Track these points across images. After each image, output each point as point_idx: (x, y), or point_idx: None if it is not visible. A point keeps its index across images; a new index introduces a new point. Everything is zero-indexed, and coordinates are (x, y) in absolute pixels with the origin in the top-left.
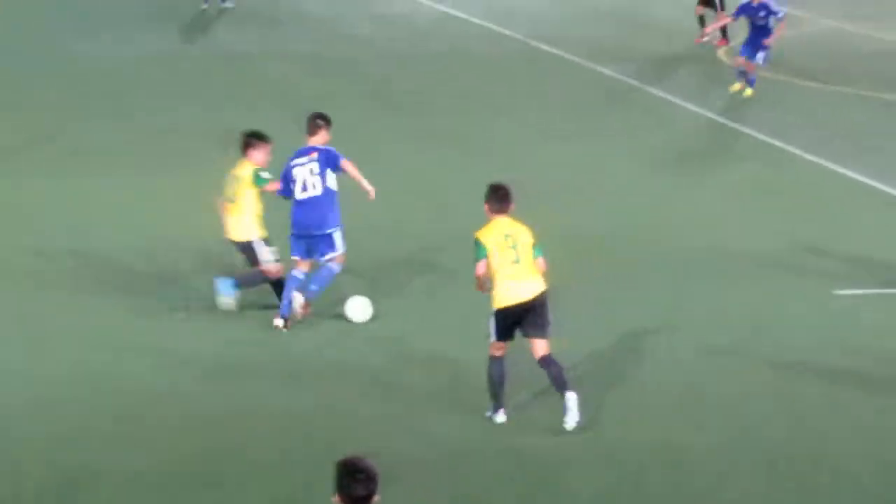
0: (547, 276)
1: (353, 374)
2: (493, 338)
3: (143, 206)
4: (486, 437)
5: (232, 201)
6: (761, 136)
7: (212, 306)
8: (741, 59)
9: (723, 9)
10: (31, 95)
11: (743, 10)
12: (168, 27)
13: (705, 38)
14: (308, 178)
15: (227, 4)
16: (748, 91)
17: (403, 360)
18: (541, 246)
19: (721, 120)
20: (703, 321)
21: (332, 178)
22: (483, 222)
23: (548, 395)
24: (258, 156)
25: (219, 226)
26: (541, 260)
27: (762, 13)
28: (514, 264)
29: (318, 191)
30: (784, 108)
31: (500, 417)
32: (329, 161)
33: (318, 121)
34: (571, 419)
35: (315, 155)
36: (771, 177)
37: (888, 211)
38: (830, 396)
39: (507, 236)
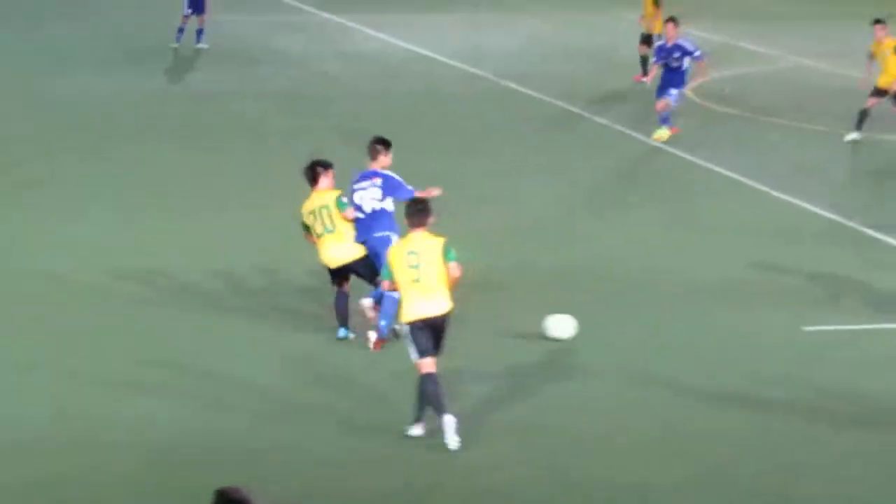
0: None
1: (320, 412)
2: (414, 356)
3: (115, 240)
4: (450, 474)
5: (331, 231)
6: (729, 173)
7: (186, 341)
8: (662, 104)
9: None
10: (5, 131)
11: (660, 52)
12: (146, 67)
13: (645, 80)
14: (367, 203)
15: (202, 45)
16: (665, 132)
17: (368, 399)
18: (456, 251)
19: (688, 157)
20: (673, 355)
21: (389, 202)
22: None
23: (514, 431)
24: (327, 181)
25: (195, 259)
26: (453, 265)
27: (676, 54)
28: (413, 283)
29: (376, 207)
30: (751, 145)
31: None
32: (393, 191)
33: (377, 146)
34: (452, 441)
35: (378, 181)
36: (739, 212)
37: (853, 247)
38: (800, 433)
39: (410, 253)
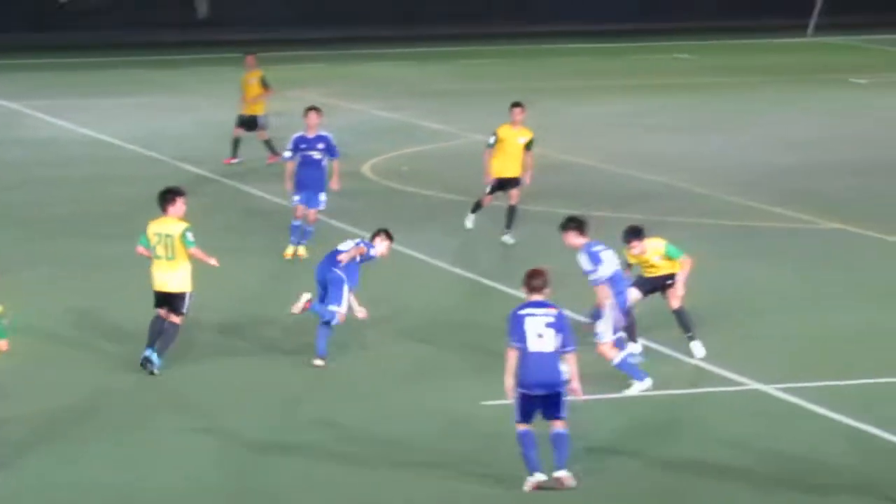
0: None
1: None
2: None
3: None
4: None
5: (171, 259)
6: (406, 250)
7: None
8: (301, 210)
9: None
10: None
11: (300, 143)
12: None
13: (234, 161)
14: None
15: None
16: (302, 250)
17: None
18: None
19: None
20: (327, 435)
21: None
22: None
23: None
24: (175, 209)
25: None
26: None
27: (321, 145)
28: None
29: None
30: (429, 222)
31: None
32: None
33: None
34: None
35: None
36: (417, 289)
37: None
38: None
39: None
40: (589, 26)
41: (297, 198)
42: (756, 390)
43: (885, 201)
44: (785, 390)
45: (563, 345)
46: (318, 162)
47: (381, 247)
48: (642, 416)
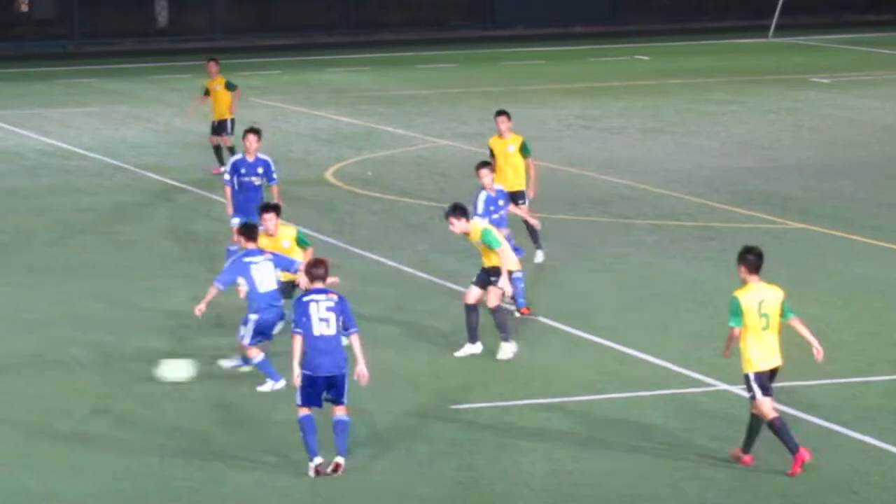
0: None
1: None
2: None
3: None
4: None
5: None
6: (370, 254)
7: None
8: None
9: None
10: None
11: (237, 168)
12: None
13: (223, 169)
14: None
15: None
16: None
17: None
18: None
19: (332, 241)
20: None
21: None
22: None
23: None
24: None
25: None
26: None
27: (260, 169)
28: None
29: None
30: (393, 226)
31: None
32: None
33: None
34: None
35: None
36: (383, 292)
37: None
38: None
39: None
40: (553, 30)
41: (235, 221)
42: (723, 391)
43: (847, 201)
44: None
45: (346, 327)
46: (259, 188)
47: (486, 179)
48: (610, 417)
